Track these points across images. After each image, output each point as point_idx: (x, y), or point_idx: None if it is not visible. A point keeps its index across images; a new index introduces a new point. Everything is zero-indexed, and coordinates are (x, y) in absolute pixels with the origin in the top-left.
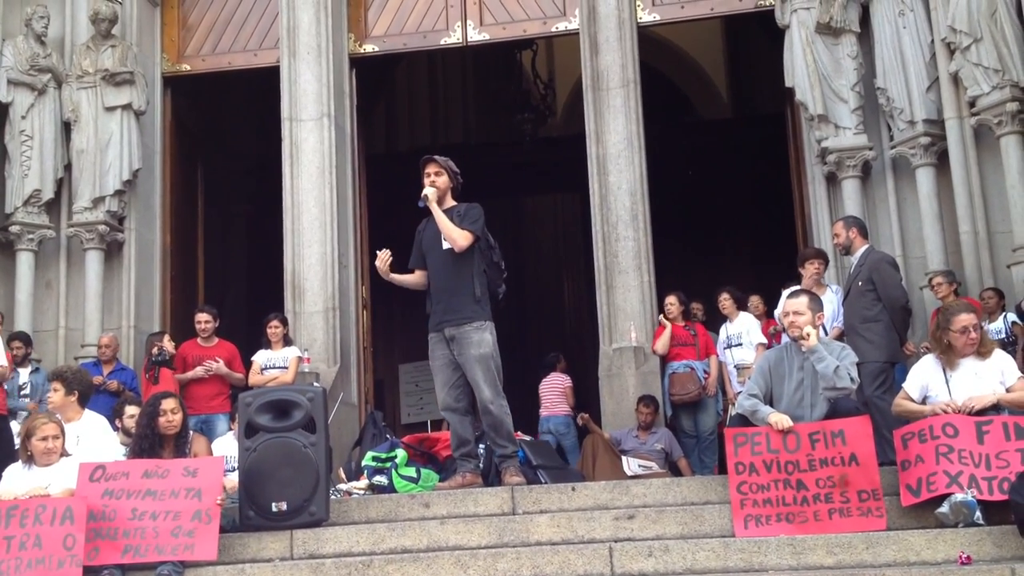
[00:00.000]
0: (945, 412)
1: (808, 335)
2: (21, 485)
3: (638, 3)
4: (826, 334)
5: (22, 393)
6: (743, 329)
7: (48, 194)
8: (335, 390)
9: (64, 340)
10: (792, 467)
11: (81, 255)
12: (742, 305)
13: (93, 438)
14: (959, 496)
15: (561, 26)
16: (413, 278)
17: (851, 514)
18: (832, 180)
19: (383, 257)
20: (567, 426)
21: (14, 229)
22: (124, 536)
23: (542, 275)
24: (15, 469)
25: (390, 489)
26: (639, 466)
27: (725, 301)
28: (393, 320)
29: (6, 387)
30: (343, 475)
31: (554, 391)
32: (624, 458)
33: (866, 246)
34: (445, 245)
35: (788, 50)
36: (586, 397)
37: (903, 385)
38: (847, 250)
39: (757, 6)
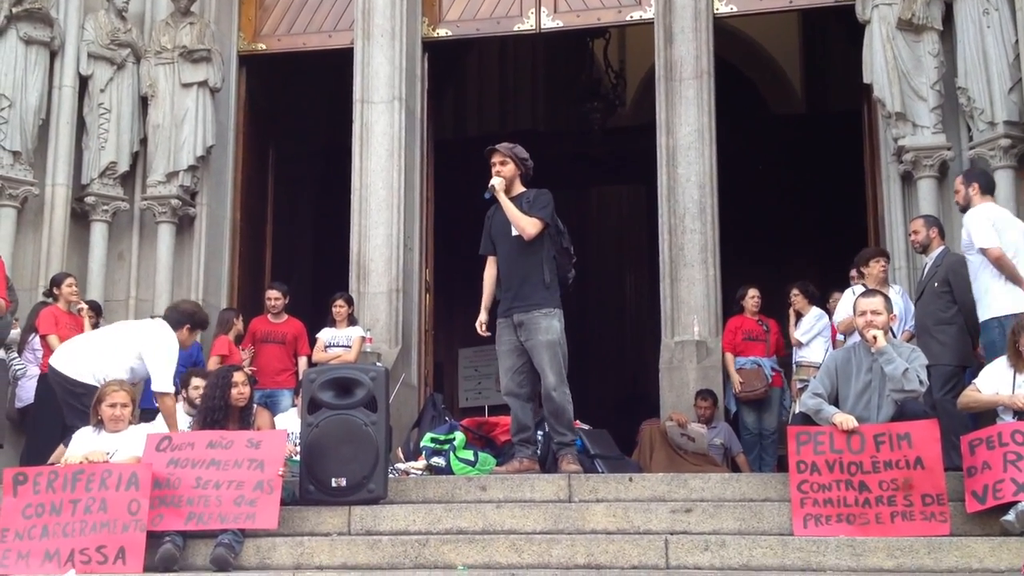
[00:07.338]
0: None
1: (875, 336)
2: (86, 449)
3: None
4: (895, 336)
5: None
6: (808, 326)
7: (124, 167)
8: (396, 371)
9: (134, 310)
10: (855, 468)
11: (153, 228)
12: (815, 301)
13: None
14: None
15: (636, 15)
16: (489, 278)
17: (914, 518)
18: (908, 179)
19: (483, 331)
20: None
21: (89, 200)
22: (188, 504)
23: (605, 266)
24: (85, 433)
25: (448, 471)
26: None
27: (795, 296)
28: (454, 304)
29: None
30: (402, 455)
31: None
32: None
33: (943, 247)
34: (515, 232)
35: (867, 46)
36: (644, 389)
37: (974, 381)
38: (924, 249)
39: (837, 0)
